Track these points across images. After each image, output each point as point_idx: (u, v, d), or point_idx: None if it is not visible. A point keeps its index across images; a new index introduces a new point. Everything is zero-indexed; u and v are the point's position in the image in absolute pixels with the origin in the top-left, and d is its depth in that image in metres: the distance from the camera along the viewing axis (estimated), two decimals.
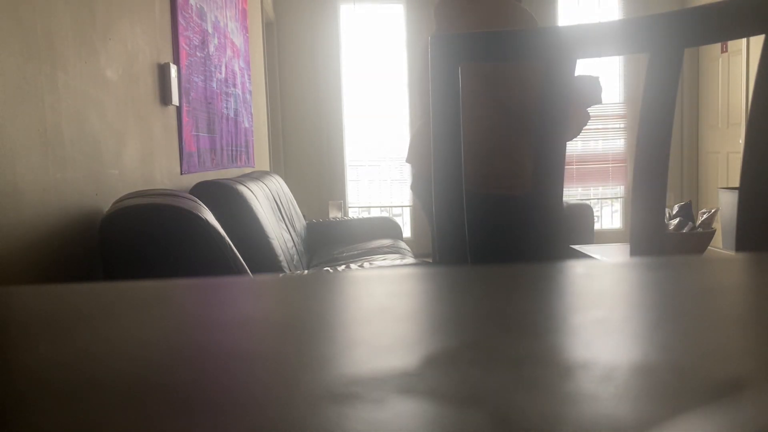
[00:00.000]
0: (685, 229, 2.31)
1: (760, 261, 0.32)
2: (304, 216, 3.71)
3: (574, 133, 1.54)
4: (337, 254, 2.95)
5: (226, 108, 2.70)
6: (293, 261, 2.43)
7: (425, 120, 1.65)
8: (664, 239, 0.81)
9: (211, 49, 2.44)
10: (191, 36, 2.13)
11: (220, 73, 2.60)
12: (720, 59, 4.79)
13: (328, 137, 4.96)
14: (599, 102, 1.52)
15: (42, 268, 1.07)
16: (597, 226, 5.24)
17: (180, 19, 1.98)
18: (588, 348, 0.19)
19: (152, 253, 1.10)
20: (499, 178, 1.51)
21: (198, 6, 2.24)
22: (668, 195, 5.14)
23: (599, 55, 0.80)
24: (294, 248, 2.58)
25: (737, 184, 4.46)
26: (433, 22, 2.27)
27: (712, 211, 2.35)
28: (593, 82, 1.51)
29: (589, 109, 5.01)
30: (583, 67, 5.10)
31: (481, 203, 1.52)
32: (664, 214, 0.81)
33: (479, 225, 1.51)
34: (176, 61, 1.95)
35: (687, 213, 2.39)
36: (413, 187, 1.71)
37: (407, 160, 1.74)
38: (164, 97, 1.81)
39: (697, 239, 2.28)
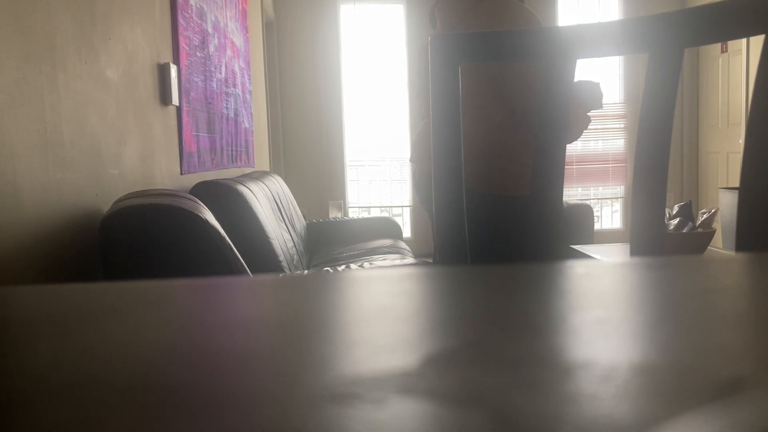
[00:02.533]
0: (685, 229, 2.31)
1: (760, 261, 0.32)
2: (304, 216, 3.71)
3: (575, 136, 1.54)
4: (337, 254, 2.95)
5: (226, 108, 2.70)
6: (293, 261, 2.43)
7: (428, 119, 1.65)
8: (664, 239, 0.81)
9: (211, 49, 2.44)
10: (191, 36, 2.13)
11: (220, 73, 2.60)
12: (720, 59, 4.79)
13: (328, 137, 4.96)
14: (600, 107, 1.53)
15: (42, 268, 1.07)
16: (597, 226, 5.24)
17: (180, 19, 1.98)
18: (588, 348, 0.19)
19: (152, 253, 1.10)
20: (504, 179, 1.51)
21: (198, 6, 2.24)
22: (668, 195, 5.14)
23: (599, 55, 0.80)
24: (294, 248, 2.58)
25: (737, 184, 4.46)
26: (434, 20, 2.28)
27: (712, 211, 2.35)
28: (594, 88, 1.51)
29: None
30: (583, 68, 5.09)
31: (483, 203, 1.52)
32: (664, 214, 0.81)
33: (481, 225, 1.51)
34: (176, 61, 1.95)
35: (687, 213, 2.39)
36: (416, 186, 1.71)
37: (411, 160, 1.73)
38: (164, 97, 1.81)
39: (697, 239, 2.28)
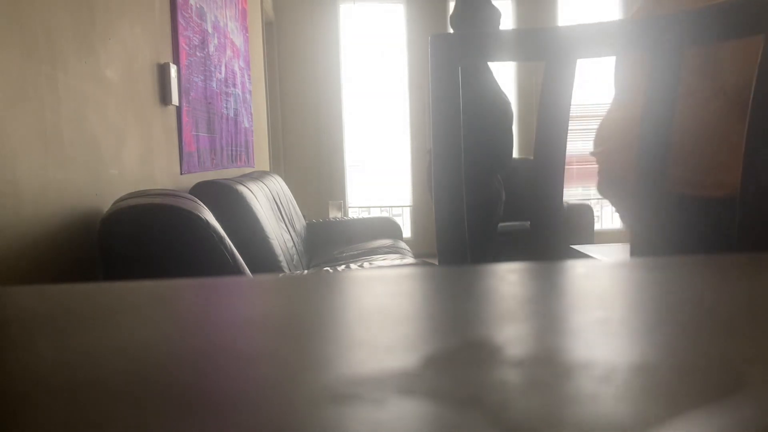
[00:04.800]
0: None
1: (760, 261, 0.32)
2: (304, 216, 3.71)
3: None
4: (337, 254, 2.95)
5: (226, 108, 2.70)
6: (293, 261, 2.43)
7: (619, 104, 1.41)
8: (664, 239, 0.81)
9: (211, 49, 2.44)
10: (191, 36, 2.13)
11: (220, 73, 2.60)
12: None
13: (328, 137, 4.96)
14: None
15: (42, 268, 1.07)
16: (597, 226, 5.23)
17: (180, 19, 1.98)
18: (588, 348, 0.19)
19: (152, 253, 1.10)
20: (710, 175, 1.25)
21: (198, 6, 2.24)
22: None
23: (599, 55, 0.80)
24: (294, 248, 2.58)
25: None
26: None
27: None
28: None
29: (587, 109, 4.96)
30: (583, 68, 5.09)
31: (691, 207, 1.26)
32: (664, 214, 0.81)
33: (690, 233, 1.25)
34: (176, 61, 1.95)
35: None
36: (601, 190, 1.53)
37: (593, 153, 1.54)
38: (164, 97, 1.81)
39: None
